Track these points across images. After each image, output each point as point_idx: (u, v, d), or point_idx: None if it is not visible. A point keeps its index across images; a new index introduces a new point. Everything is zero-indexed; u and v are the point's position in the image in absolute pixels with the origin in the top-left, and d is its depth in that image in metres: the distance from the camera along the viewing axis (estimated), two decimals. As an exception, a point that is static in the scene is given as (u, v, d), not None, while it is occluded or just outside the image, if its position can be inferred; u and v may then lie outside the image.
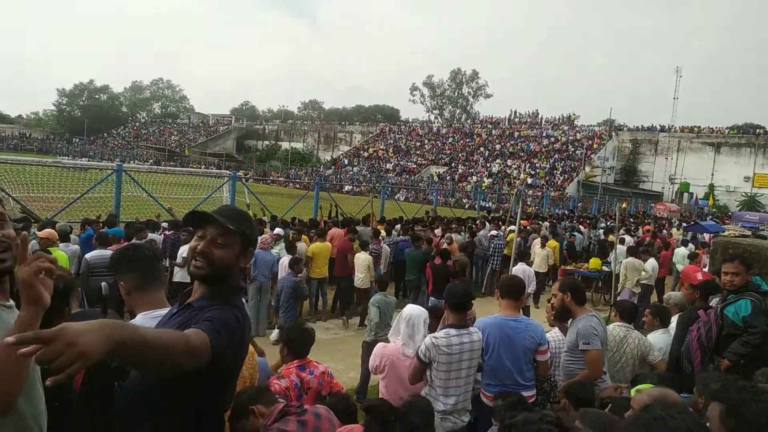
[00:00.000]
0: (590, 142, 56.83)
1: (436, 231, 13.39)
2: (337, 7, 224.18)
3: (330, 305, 10.50)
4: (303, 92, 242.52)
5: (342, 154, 71.04)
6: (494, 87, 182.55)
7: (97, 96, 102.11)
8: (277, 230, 9.92)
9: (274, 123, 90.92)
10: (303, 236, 10.48)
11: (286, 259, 8.81)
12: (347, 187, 42.92)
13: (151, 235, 9.29)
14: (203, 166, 56.90)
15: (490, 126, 67.95)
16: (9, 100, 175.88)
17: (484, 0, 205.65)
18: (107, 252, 7.20)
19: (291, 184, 39.09)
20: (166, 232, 10.01)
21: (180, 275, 8.72)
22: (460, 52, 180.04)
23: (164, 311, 2.16)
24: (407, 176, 57.40)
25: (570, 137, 59.00)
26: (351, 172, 60.84)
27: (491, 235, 13.87)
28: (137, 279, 2.31)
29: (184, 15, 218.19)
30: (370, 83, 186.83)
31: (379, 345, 4.28)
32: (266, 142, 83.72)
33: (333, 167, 64.47)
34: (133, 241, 8.55)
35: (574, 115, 65.25)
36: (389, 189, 23.68)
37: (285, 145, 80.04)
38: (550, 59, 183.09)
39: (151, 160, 65.57)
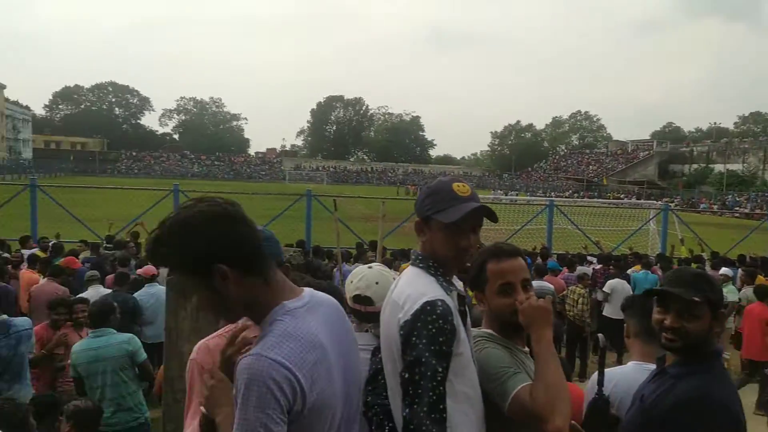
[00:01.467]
0: None
1: None
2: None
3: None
4: (740, 105, 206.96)
5: (802, 175, 57.00)
6: None
7: (522, 134, 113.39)
8: (724, 270, 8.75)
9: (704, 144, 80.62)
10: (760, 278, 8.90)
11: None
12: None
13: (580, 268, 9.60)
14: (623, 195, 55.22)
15: None
16: (451, 144, 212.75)
17: None
18: (545, 283, 7.82)
19: (729, 213, 33.79)
20: (595, 267, 10.15)
21: (609, 310, 8.56)
22: None
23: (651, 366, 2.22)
24: None
25: None
26: (817, 197, 48.10)
27: None
28: (640, 326, 2.38)
29: (599, 44, 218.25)
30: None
31: None
32: (694, 166, 74.94)
33: (788, 191, 52.34)
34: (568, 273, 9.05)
35: None
36: None
37: (719, 167, 69.78)
38: None
39: (569, 191, 67.78)
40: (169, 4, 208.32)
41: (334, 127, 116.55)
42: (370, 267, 2.19)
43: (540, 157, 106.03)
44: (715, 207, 45.31)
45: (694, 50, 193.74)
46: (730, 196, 54.10)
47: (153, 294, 6.46)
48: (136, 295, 6.51)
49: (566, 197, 48.83)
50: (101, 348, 4.18)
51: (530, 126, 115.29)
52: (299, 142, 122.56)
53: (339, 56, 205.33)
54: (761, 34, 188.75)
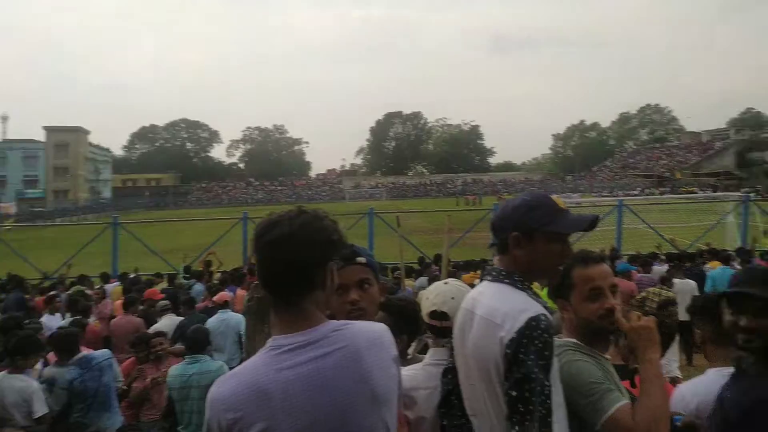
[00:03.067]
0: None
1: None
2: None
3: None
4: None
5: None
6: None
7: (587, 134, 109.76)
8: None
9: (790, 127, 75.03)
10: None
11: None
12: None
13: (657, 269, 9.21)
14: (698, 189, 52.18)
15: None
16: (513, 150, 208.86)
17: None
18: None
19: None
20: (670, 264, 9.68)
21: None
22: None
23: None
24: None
25: None
26: None
27: None
28: (712, 331, 2.34)
29: (664, 26, 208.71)
30: None
31: None
32: (779, 152, 69.73)
33: None
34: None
35: None
36: None
37: (806, 151, 64.64)
38: None
39: (638, 188, 64.84)
40: (234, 42, 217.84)
41: (393, 143, 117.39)
42: (446, 283, 2.23)
43: (606, 155, 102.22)
44: (806, 194, 41.82)
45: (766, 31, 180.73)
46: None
47: (224, 320, 6.56)
48: (208, 321, 6.67)
49: (635, 195, 46.70)
50: (194, 375, 4.45)
51: (595, 125, 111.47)
52: (359, 160, 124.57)
53: (397, 72, 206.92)
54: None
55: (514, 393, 1.57)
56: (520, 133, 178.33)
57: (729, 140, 78.52)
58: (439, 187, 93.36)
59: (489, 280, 1.81)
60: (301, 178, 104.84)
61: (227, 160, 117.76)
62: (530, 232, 1.74)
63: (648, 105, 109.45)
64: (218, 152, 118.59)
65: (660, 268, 9.31)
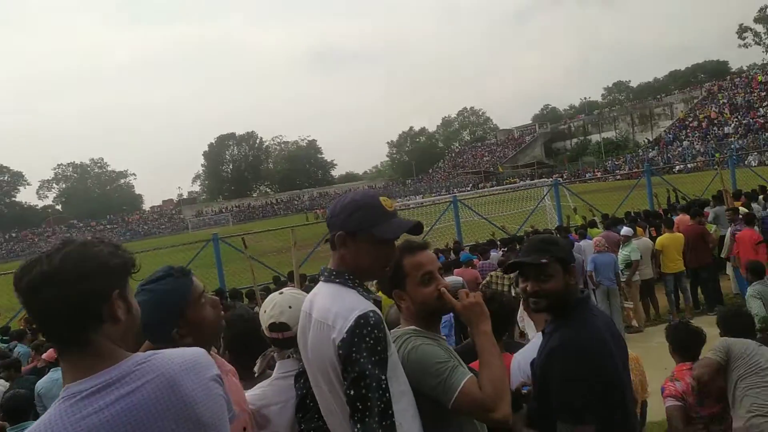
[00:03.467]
0: None
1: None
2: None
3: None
4: (604, 77, 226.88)
5: (664, 131, 63.34)
6: None
7: (417, 139, 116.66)
8: (625, 230, 9.50)
9: (579, 118, 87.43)
10: (639, 229, 9.83)
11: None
12: (678, 167, 37.94)
13: (494, 255, 10.09)
14: (518, 179, 58.45)
15: None
16: (352, 161, 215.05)
17: None
18: (454, 277, 8.08)
19: (611, 177, 36.76)
20: (503, 250, 10.66)
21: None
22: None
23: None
24: (754, 136, 47.40)
25: None
26: (680, 149, 53.60)
27: None
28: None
29: (478, 38, 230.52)
30: (686, 40, 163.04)
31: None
32: (574, 140, 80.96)
33: (657, 147, 57.93)
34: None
35: None
36: (735, 156, 20.06)
37: (595, 137, 75.90)
38: None
39: (470, 184, 70.68)
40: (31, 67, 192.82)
41: (231, 166, 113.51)
42: (281, 293, 2.19)
43: (438, 158, 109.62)
44: (599, 174, 49.12)
45: (556, 34, 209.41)
46: (609, 162, 58.96)
47: (56, 380, 5.88)
48: (38, 383, 5.96)
49: (468, 191, 50.87)
50: None
51: (423, 130, 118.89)
52: (197, 188, 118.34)
53: (223, 93, 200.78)
54: (607, 11, 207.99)
55: (351, 392, 1.59)
56: (357, 144, 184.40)
57: (535, 134, 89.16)
58: (287, 204, 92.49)
59: (322, 281, 1.82)
60: (133, 213, 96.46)
61: (40, 203, 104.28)
62: (355, 233, 1.75)
63: (465, 108, 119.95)
64: (27, 196, 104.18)
65: (497, 254, 10.18)
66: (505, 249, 10.46)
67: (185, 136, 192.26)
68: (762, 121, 49.74)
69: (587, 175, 51.00)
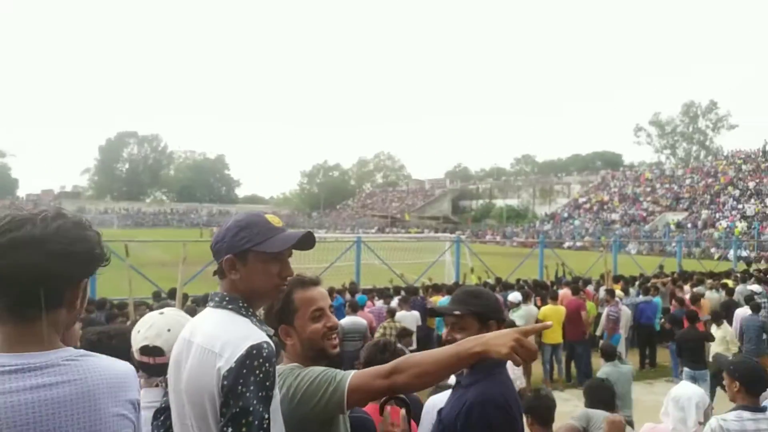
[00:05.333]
0: None
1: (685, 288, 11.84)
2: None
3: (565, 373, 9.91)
4: (516, 147, 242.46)
5: (560, 207, 68.41)
6: (739, 116, 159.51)
7: (330, 173, 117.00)
8: (513, 296, 9.81)
9: (487, 182, 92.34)
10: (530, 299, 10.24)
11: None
12: (567, 243, 40.83)
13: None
14: (423, 230, 60.05)
15: (739, 161, 58.63)
16: (260, 183, 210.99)
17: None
18: (359, 318, 8.00)
19: (508, 242, 38.73)
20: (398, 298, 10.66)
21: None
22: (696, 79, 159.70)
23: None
24: (636, 226, 52.41)
25: None
26: (571, 226, 57.94)
27: (753, 291, 11.65)
28: None
29: (408, 90, 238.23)
30: (587, 128, 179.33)
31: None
32: (480, 201, 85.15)
33: (551, 221, 62.27)
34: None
35: None
36: (618, 241, 21.87)
37: (499, 202, 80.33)
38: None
39: (376, 227, 71.59)
40: None
41: (127, 165, 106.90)
42: (161, 313, 2.00)
43: (348, 195, 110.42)
44: (498, 238, 51.69)
45: (473, 101, 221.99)
46: (509, 228, 62.49)
47: None
48: None
49: (373, 233, 51.40)
50: None
51: (337, 165, 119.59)
52: (84, 182, 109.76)
53: (131, 90, 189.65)
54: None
55: (229, 430, 1.42)
56: (268, 167, 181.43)
57: (445, 189, 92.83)
58: (182, 216, 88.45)
59: (212, 306, 1.65)
60: (5, 197, 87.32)
61: None
62: (244, 254, 1.62)
63: (381, 152, 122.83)
64: None
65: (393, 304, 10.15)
66: (401, 297, 10.47)
67: (84, 123, 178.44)
68: (644, 214, 55.23)
69: (487, 237, 53.46)
